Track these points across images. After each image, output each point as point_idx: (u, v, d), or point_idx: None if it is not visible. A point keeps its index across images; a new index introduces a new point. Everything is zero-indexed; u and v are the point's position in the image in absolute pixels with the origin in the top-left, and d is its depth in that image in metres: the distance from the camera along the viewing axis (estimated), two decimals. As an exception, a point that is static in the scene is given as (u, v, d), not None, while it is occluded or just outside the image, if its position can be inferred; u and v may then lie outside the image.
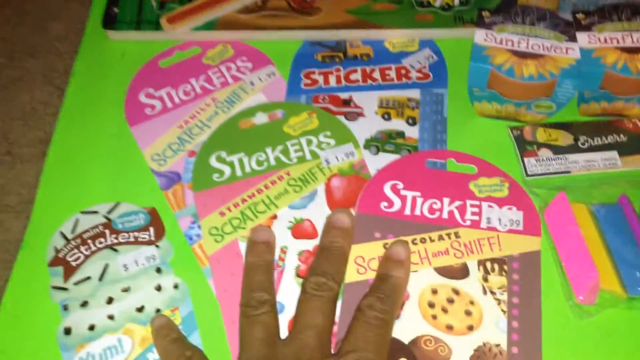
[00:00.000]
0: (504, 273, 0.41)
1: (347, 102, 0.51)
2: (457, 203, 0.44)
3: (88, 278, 0.43)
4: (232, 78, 0.53)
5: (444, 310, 0.40)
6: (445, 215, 0.43)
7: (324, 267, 0.39)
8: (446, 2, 0.55)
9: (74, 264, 0.43)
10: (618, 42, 0.46)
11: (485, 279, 0.41)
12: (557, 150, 0.47)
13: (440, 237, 0.43)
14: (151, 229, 0.45)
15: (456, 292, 0.41)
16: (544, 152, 0.47)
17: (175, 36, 0.55)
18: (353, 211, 0.44)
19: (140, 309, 0.41)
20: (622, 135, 0.48)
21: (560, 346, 0.39)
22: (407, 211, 0.44)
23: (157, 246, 0.44)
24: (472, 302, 0.40)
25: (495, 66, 0.45)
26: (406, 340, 0.39)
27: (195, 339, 0.40)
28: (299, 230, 0.44)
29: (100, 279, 0.43)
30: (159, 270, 0.43)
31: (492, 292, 0.40)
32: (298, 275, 0.42)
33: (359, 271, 0.41)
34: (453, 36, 0.54)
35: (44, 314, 0.42)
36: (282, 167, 0.47)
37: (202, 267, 0.43)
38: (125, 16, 0.56)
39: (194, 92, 0.52)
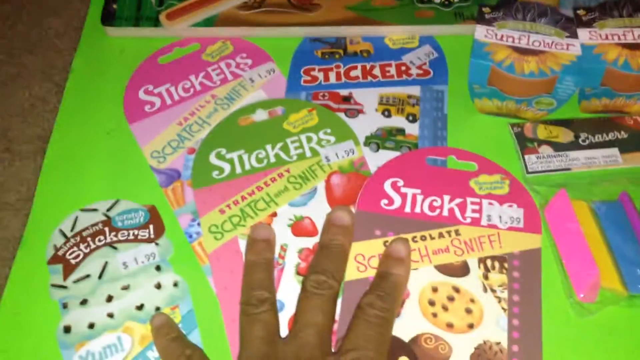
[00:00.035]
0: (504, 271, 0.41)
1: (347, 99, 0.51)
2: (458, 200, 0.44)
3: (87, 276, 0.43)
4: (231, 75, 0.53)
5: (445, 308, 0.40)
6: (445, 213, 0.43)
7: (324, 265, 0.39)
8: (446, -2, 0.55)
9: (73, 262, 0.43)
10: (619, 38, 0.46)
11: (486, 277, 0.41)
12: (558, 147, 0.47)
13: (441, 235, 0.42)
14: (151, 227, 0.45)
15: (456, 290, 0.41)
16: (545, 149, 0.47)
17: (175, 33, 0.55)
18: (353, 209, 0.44)
19: (140, 307, 0.41)
20: (622, 132, 0.47)
21: (560, 344, 0.39)
22: (408, 209, 0.44)
23: (156, 244, 0.44)
24: (472, 300, 0.40)
25: (496, 63, 0.45)
26: (406, 338, 0.39)
27: (195, 337, 0.40)
28: (299, 227, 0.44)
29: (100, 277, 0.42)
30: (158, 268, 0.43)
31: (493, 290, 0.40)
32: (298, 273, 0.42)
33: (359, 269, 0.41)
34: (453, 32, 0.54)
35: (44, 312, 0.41)
36: (282, 164, 0.47)
37: (202, 265, 0.43)
38: (124, 12, 0.56)
39: (193, 89, 0.52)
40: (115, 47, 0.56)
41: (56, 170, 0.49)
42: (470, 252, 0.42)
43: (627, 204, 0.43)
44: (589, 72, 0.46)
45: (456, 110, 0.50)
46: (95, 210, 0.45)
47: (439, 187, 0.44)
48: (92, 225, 0.45)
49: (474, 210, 0.43)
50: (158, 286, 0.42)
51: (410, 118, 0.49)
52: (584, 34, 0.46)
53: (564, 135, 0.47)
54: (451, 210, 0.43)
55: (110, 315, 0.41)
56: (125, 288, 0.42)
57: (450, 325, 0.39)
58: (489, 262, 0.41)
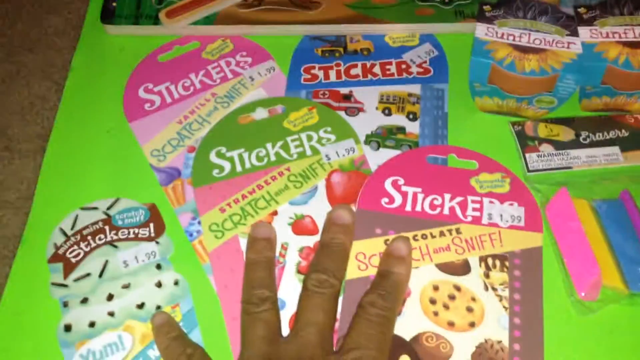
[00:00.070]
0: (505, 269, 0.41)
1: (347, 97, 0.51)
2: (458, 199, 0.44)
3: (88, 274, 0.42)
4: (231, 73, 0.53)
5: (446, 307, 0.40)
6: (446, 211, 0.43)
7: (324, 264, 0.39)
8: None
9: (73, 260, 0.43)
10: (620, 36, 0.46)
11: (487, 275, 0.41)
12: (559, 145, 0.47)
13: (442, 233, 0.42)
14: (151, 225, 0.45)
15: (457, 288, 0.40)
16: (545, 148, 0.47)
17: (174, 31, 0.55)
18: (354, 207, 0.44)
19: (140, 306, 0.41)
20: (623, 131, 0.47)
21: (562, 342, 0.39)
22: (408, 207, 0.44)
23: (157, 242, 0.44)
24: (473, 299, 0.40)
25: (497, 61, 0.45)
26: (408, 337, 0.39)
27: (195, 336, 0.40)
28: (300, 226, 0.44)
29: (100, 275, 0.42)
30: (159, 266, 0.43)
31: (494, 289, 0.40)
32: (299, 272, 0.42)
33: (360, 268, 0.41)
34: (454, 31, 0.54)
35: (44, 310, 0.41)
36: (282, 162, 0.47)
37: (202, 264, 0.43)
38: (123, 10, 0.56)
39: (193, 87, 0.52)
40: (115, 45, 0.55)
41: (56, 168, 0.48)
42: (471, 250, 0.42)
43: (628, 203, 0.43)
44: (590, 71, 0.46)
45: (457, 109, 0.50)
46: (95, 208, 0.45)
47: (439, 185, 0.44)
48: (93, 224, 0.45)
49: (474, 209, 0.43)
50: (159, 285, 0.42)
51: (411, 116, 0.49)
52: (584, 32, 0.46)
53: (565, 134, 0.47)
54: (452, 209, 0.43)
55: (111, 314, 0.41)
56: (126, 287, 0.42)
57: (451, 324, 0.39)
58: (490, 261, 0.41)
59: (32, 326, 0.41)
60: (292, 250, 0.43)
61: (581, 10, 0.48)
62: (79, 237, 0.44)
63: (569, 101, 0.47)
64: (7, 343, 0.41)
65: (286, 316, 0.40)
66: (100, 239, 0.44)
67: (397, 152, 0.47)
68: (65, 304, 0.41)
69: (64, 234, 0.44)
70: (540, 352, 0.38)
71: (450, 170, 0.45)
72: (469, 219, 0.43)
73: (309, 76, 0.52)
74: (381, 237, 0.42)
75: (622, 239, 0.41)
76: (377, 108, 0.50)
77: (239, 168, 0.47)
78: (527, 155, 0.46)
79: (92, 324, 0.41)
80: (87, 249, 0.43)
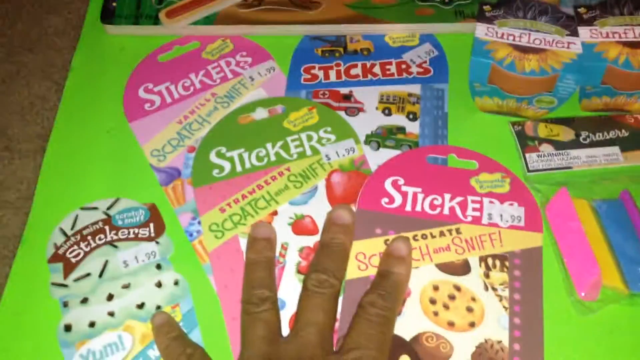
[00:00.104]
0: (505, 269, 0.41)
1: (347, 97, 0.51)
2: (458, 199, 0.44)
3: (88, 274, 0.42)
4: (231, 73, 0.53)
5: (446, 307, 0.40)
6: (446, 211, 0.43)
7: (325, 264, 0.39)
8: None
9: (73, 260, 0.43)
10: (620, 36, 0.46)
11: (487, 275, 0.41)
12: (559, 145, 0.47)
13: (442, 233, 0.42)
14: (151, 225, 0.45)
15: (457, 288, 0.40)
16: (545, 148, 0.47)
17: (174, 31, 0.55)
18: (354, 207, 0.44)
19: (140, 306, 0.41)
20: (623, 131, 0.47)
21: (562, 342, 0.39)
22: (408, 207, 0.44)
23: (157, 242, 0.44)
24: (473, 299, 0.40)
25: (497, 61, 0.45)
26: (408, 337, 0.39)
27: (195, 336, 0.40)
28: (300, 226, 0.44)
29: (100, 275, 0.42)
30: (159, 266, 0.43)
31: (494, 289, 0.40)
32: (299, 272, 0.42)
33: (360, 267, 0.41)
34: (454, 31, 0.54)
35: (44, 310, 0.41)
36: (282, 162, 0.47)
37: (202, 264, 0.43)
38: (123, 10, 0.56)
39: (193, 87, 0.52)
40: (115, 45, 0.55)
41: (56, 168, 0.48)
42: (471, 250, 0.42)
43: (628, 203, 0.43)
44: (590, 71, 0.46)
45: (457, 109, 0.50)
46: (95, 208, 0.45)
47: (439, 185, 0.44)
48: (93, 224, 0.45)
49: (474, 209, 0.43)
50: (159, 285, 0.42)
51: (411, 116, 0.49)
52: (584, 32, 0.46)
53: (565, 134, 0.47)
54: (452, 209, 0.43)
55: (111, 314, 0.41)
56: (126, 287, 0.42)
57: (451, 324, 0.39)
58: (490, 261, 0.41)
59: (32, 326, 0.41)
60: (292, 250, 0.43)
61: (581, 10, 0.48)
62: (79, 237, 0.44)
63: (569, 101, 0.47)
64: (7, 343, 0.41)
65: (286, 316, 0.40)
66: (100, 239, 0.44)
67: (397, 152, 0.47)
68: (65, 304, 0.41)
69: (64, 234, 0.44)
70: (540, 352, 0.38)
71: (450, 170, 0.45)
72: (469, 219, 0.43)
73: (309, 76, 0.52)
74: (381, 237, 0.42)
75: (622, 239, 0.41)
76: (377, 108, 0.50)
77: (239, 168, 0.47)
78: (527, 155, 0.46)
79: (92, 324, 0.41)
80: (87, 249, 0.43)
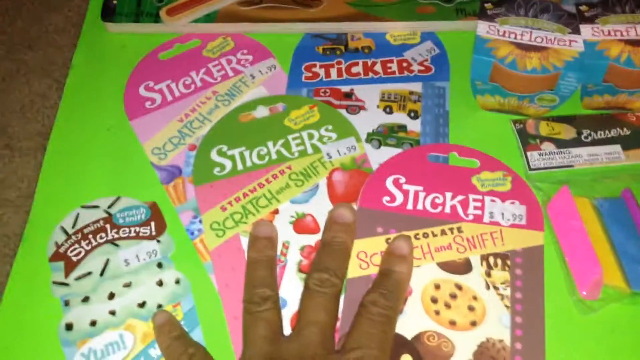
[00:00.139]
0: (507, 268, 0.41)
1: (348, 95, 0.50)
2: (460, 197, 0.44)
3: (89, 273, 0.42)
4: (232, 71, 0.53)
5: (447, 306, 0.40)
6: (447, 210, 0.43)
7: (326, 263, 0.39)
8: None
9: (74, 259, 0.43)
10: (622, 34, 0.46)
11: (488, 274, 0.41)
12: (560, 143, 0.47)
13: (443, 232, 0.42)
14: (152, 224, 0.44)
15: (459, 287, 0.40)
16: (547, 146, 0.47)
17: (175, 28, 0.55)
18: (355, 206, 0.44)
19: (141, 305, 0.41)
20: (625, 129, 0.47)
21: (563, 341, 0.39)
22: (410, 206, 0.43)
23: (158, 241, 0.44)
24: (475, 298, 0.40)
25: (498, 59, 0.45)
26: (409, 335, 0.39)
27: (197, 335, 0.40)
28: (301, 225, 0.44)
29: (102, 274, 0.42)
30: (160, 265, 0.43)
31: (495, 287, 0.40)
32: (300, 271, 0.42)
33: (361, 266, 0.41)
34: (455, 28, 0.54)
35: (45, 309, 0.41)
36: (283, 161, 0.47)
37: (203, 262, 0.43)
38: (124, 8, 0.55)
39: (194, 85, 0.52)
40: (116, 43, 0.55)
41: (57, 167, 0.48)
42: (472, 249, 0.42)
43: (629, 201, 0.43)
44: (592, 69, 0.45)
45: (458, 107, 0.50)
46: (96, 207, 0.45)
47: (441, 184, 0.44)
48: (94, 222, 0.45)
49: (476, 207, 0.43)
50: (160, 283, 0.42)
51: (412, 114, 0.49)
52: (586, 30, 0.46)
53: (566, 132, 0.47)
54: (453, 208, 0.43)
55: (112, 313, 0.41)
56: (127, 285, 0.42)
57: (452, 323, 0.39)
58: (491, 260, 0.41)
59: (34, 325, 0.41)
60: (294, 249, 0.43)
61: (583, 8, 0.48)
62: (80, 235, 0.44)
63: (571, 99, 0.47)
64: (9, 342, 0.41)
65: (287, 315, 0.40)
66: (101, 237, 0.44)
67: (398, 150, 0.47)
68: (67, 303, 0.41)
69: (65, 232, 0.44)
70: (542, 351, 0.38)
71: (451, 169, 0.45)
72: (471, 217, 0.43)
73: (310, 74, 0.52)
74: (382, 236, 0.42)
75: (623, 237, 0.41)
76: (378, 106, 0.50)
77: (240, 166, 0.46)
78: (528, 153, 0.46)
79: (93, 323, 0.41)
80: (88, 248, 0.43)
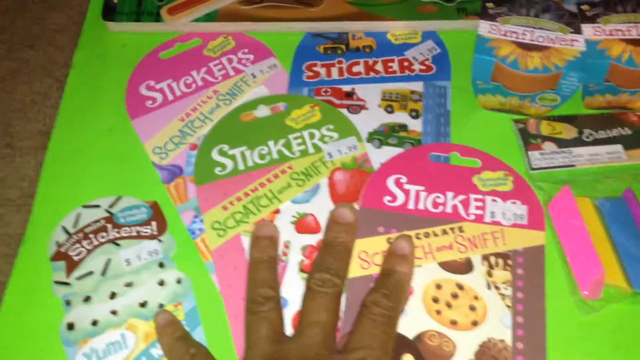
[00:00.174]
0: (508, 268, 0.41)
1: (349, 95, 0.50)
2: (461, 197, 0.44)
3: (90, 273, 0.42)
4: (233, 70, 0.52)
5: (448, 306, 0.40)
6: (449, 210, 0.43)
7: (327, 263, 0.39)
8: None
9: (76, 258, 0.43)
10: (623, 34, 0.46)
11: (490, 274, 0.41)
12: (562, 143, 0.47)
13: (444, 232, 0.42)
14: (153, 223, 0.44)
15: (460, 287, 0.40)
16: (548, 146, 0.47)
17: (176, 28, 0.55)
18: (356, 205, 0.44)
19: (143, 304, 0.41)
20: (626, 129, 0.47)
21: (565, 341, 0.39)
22: (411, 205, 0.43)
23: (159, 240, 0.44)
24: (476, 297, 0.40)
25: (500, 58, 0.45)
26: (411, 335, 0.39)
27: (198, 334, 0.40)
28: (302, 224, 0.44)
29: (103, 273, 0.42)
30: (161, 264, 0.43)
31: (497, 287, 0.40)
32: (302, 270, 0.42)
33: (362, 266, 0.41)
34: (456, 28, 0.54)
35: (47, 309, 0.41)
36: (284, 160, 0.47)
37: (204, 262, 0.43)
38: (125, 7, 0.55)
39: (195, 84, 0.52)
40: (117, 42, 0.55)
41: (58, 166, 0.48)
42: (473, 249, 0.42)
43: (631, 201, 0.43)
44: (593, 68, 0.45)
45: (459, 107, 0.50)
46: (97, 206, 0.45)
47: (442, 183, 0.44)
48: (95, 222, 0.45)
49: (477, 207, 0.43)
50: (161, 283, 0.42)
51: (413, 114, 0.49)
52: (588, 29, 0.46)
53: (568, 132, 0.47)
54: (454, 207, 0.43)
55: (114, 313, 0.41)
56: (129, 285, 0.42)
57: (454, 323, 0.39)
58: (492, 259, 0.41)
59: (35, 325, 0.41)
60: (295, 248, 0.43)
61: (584, 7, 0.48)
62: (81, 235, 0.44)
63: (572, 99, 0.47)
64: (10, 341, 0.41)
65: (289, 315, 0.40)
66: (102, 237, 0.44)
67: (399, 150, 0.47)
68: (68, 303, 0.41)
69: (66, 232, 0.44)
70: (543, 351, 0.38)
71: (452, 169, 0.45)
72: (472, 217, 0.43)
73: (311, 73, 0.52)
74: (384, 236, 0.42)
75: (625, 237, 0.41)
76: (379, 106, 0.50)
77: (241, 166, 0.46)
78: (530, 153, 0.46)
79: (94, 323, 0.41)
80: (90, 247, 0.43)
